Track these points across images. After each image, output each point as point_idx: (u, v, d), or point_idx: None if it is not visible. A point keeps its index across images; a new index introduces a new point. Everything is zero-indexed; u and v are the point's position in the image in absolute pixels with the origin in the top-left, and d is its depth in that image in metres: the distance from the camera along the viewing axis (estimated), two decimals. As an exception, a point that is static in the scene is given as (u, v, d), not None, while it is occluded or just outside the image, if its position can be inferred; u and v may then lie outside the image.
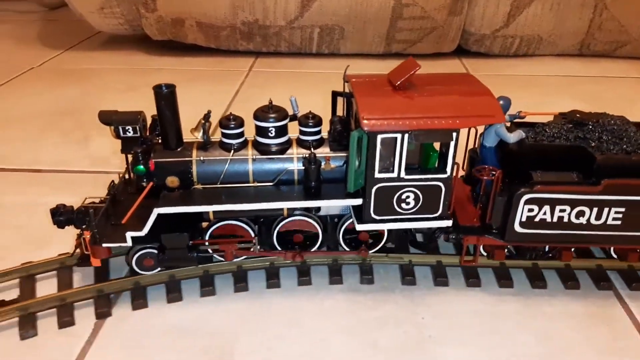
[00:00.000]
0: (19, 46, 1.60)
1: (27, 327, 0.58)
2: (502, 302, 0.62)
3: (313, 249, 0.64)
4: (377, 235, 0.64)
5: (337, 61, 1.44)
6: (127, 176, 0.64)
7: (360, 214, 0.57)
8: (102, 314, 0.60)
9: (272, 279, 0.64)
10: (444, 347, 0.56)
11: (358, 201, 0.57)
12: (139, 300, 0.61)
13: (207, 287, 0.63)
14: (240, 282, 0.63)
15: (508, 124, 0.62)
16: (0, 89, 1.27)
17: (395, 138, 0.52)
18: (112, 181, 0.64)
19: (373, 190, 0.55)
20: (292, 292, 0.63)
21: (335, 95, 0.62)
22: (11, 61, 1.45)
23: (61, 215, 0.60)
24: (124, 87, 1.26)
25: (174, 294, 0.62)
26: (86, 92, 1.25)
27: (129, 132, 0.59)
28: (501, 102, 0.58)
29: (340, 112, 0.63)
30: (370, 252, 0.64)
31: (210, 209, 0.58)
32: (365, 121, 0.51)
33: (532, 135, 0.60)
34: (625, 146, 0.58)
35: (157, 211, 0.56)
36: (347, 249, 0.64)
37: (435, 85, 0.57)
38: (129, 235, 0.56)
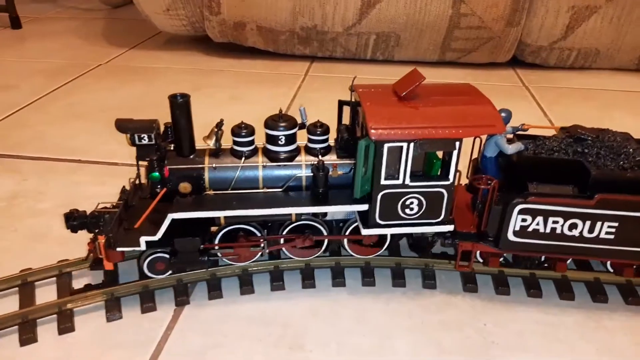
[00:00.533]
0: (86, 43, 1.68)
1: (114, 310, 0.62)
2: (563, 313, 0.63)
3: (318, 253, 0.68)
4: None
5: (391, 68, 1.47)
6: (137, 181, 0.66)
7: (366, 219, 0.60)
8: (182, 301, 0.64)
9: (338, 277, 0.67)
10: (507, 353, 0.58)
11: (364, 207, 0.60)
12: (215, 290, 0.65)
13: (278, 281, 0.66)
14: (309, 279, 0.67)
15: (510, 136, 0.64)
16: (71, 84, 1.34)
17: (401, 147, 0.55)
18: (124, 186, 0.67)
19: (379, 197, 0.58)
20: (356, 291, 0.66)
21: (341, 104, 0.65)
22: (80, 57, 1.53)
23: (75, 220, 0.62)
24: (189, 86, 1.31)
25: (246, 286, 0.66)
26: (152, 90, 1.31)
27: (144, 140, 0.61)
28: (503, 114, 0.59)
29: (345, 120, 0.66)
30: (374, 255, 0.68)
31: (222, 214, 0.60)
32: (372, 130, 0.54)
33: (533, 148, 0.62)
34: (622, 162, 0.59)
35: (171, 216, 0.58)
36: (351, 252, 0.68)
37: (438, 96, 0.60)
38: (142, 239, 0.58)
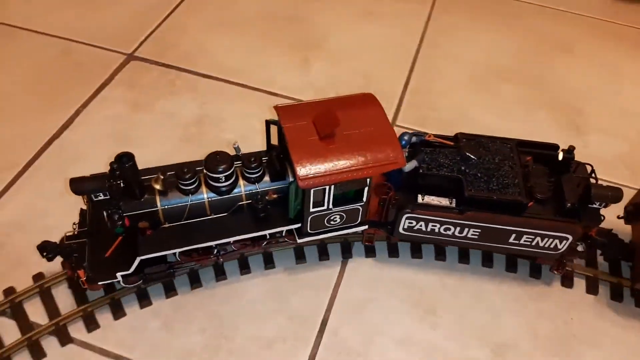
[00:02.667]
0: None
1: (299, 260, 0.85)
2: None
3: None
4: None
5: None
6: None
7: (299, 231, 0.78)
8: (347, 255, 0.86)
9: (464, 256, 0.87)
10: (584, 347, 0.79)
11: (298, 225, 0.78)
12: (370, 253, 0.86)
13: (417, 253, 0.87)
14: (440, 254, 0.87)
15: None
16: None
17: (324, 188, 0.71)
18: (81, 209, 0.78)
19: (309, 219, 0.76)
20: (477, 271, 0.86)
21: (268, 124, 0.76)
22: None
23: (49, 252, 0.73)
24: (357, 11, 1.34)
25: (393, 253, 0.87)
26: None
27: (100, 196, 0.72)
28: (405, 138, 0.77)
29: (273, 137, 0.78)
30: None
31: (180, 250, 0.74)
32: (300, 182, 0.69)
33: (428, 161, 0.77)
34: (492, 185, 0.75)
35: (139, 258, 0.72)
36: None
37: (350, 131, 0.71)
38: (119, 274, 0.73)
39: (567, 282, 0.85)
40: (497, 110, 1.10)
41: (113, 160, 0.68)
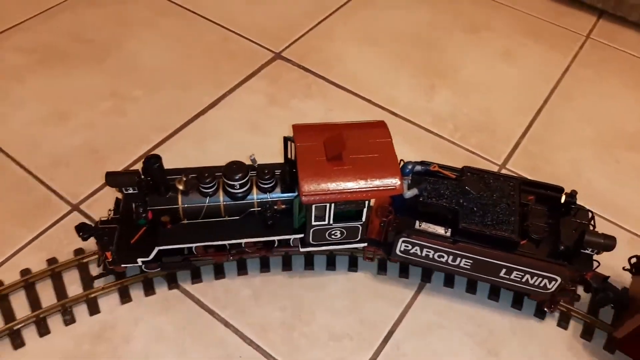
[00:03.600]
0: None
1: (381, 271, 0.92)
2: None
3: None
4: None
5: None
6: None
7: (303, 241, 0.84)
8: (425, 280, 0.91)
9: (542, 312, 0.88)
10: None
11: (301, 235, 0.83)
12: (449, 282, 0.91)
13: (495, 295, 0.90)
14: (517, 303, 0.89)
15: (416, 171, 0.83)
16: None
17: (325, 205, 0.77)
18: (117, 198, 0.87)
19: (311, 231, 0.82)
20: (549, 326, 0.87)
21: (286, 140, 0.80)
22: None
23: (85, 233, 0.81)
24: (467, 22, 1.39)
25: (472, 288, 0.91)
26: (437, 20, 1.40)
27: (131, 190, 0.80)
28: (408, 167, 0.82)
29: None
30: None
31: (195, 245, 0.83)
32: (303, 197, 0.74)
33: (430, 189, 0.81)
34: (487, 220, 0.78)
35: (157, 248, 0.80)
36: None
37: (356, 155, 0.76)
38: (139, 260, 0.81)
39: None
40: (615, 177, 1.08)
41: (145, 160, 0.78)
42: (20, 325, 0.81)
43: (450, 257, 0.83)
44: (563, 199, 0.82)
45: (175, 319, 0.84)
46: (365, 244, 0.87)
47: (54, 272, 0.87)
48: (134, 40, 1.28)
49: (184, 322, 0.84)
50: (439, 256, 0.83)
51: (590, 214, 0.82)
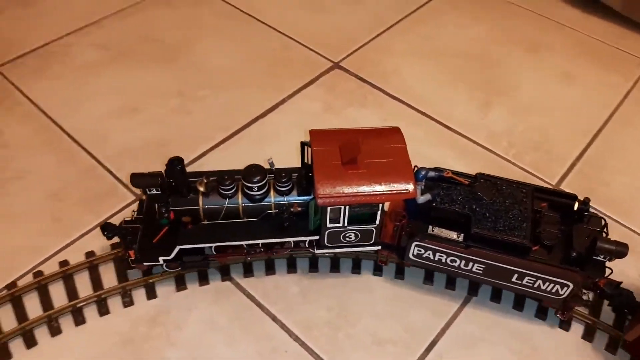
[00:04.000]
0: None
1: (428, 280, 0.94)
2: None
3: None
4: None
5: None
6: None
7: (318, 243, 0.87)
8: (472, 292, 0.92)
9: (590, 334, 0.87)
10: None
11: (316, 237, 0.85)
12: (496, 297, 0.91)
13: (542, 313, 0.89)
14: (566, 324, 0.89)
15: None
16: (426, 8, 1.51)
17: (340, 208, 0.79)
18: (141, 200, 0.90)
19: (326, 233, 0.84)
20: (599, 348, 0.87)
21: (303, 145, 0.83)
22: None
23: (109, 232, 0.84)
24: (526, 45, 1.38)
25: (519, 305, 0.91)
26: (496, 38, 1.40)
27: (154, 191, 0.82)
28: (421, 173, 0.83)
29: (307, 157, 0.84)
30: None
31: (213, 245, 0.86)
32: (319, 200, 0.76)
33: (443, 195, 0.83)
34: (499, 225, 0.79)
35: (178, 247, 0.83)
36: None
37: (371, 160, 0.78)
38: (161, 259, 0.85)
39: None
40: (674, 205, 1.06)
41: (168, 161, 0.81)
42: (82, 304, 0.87)
43: (463, 262, 0.83)
44: (576, 207, 0.82)
45: (227, 310, 0.88)
46: (379, 247, 0.88)
47: (117, 256, 0.93)
48: (202, 43, 1.34)
49: (235, 314, 0.87)
50: (452, 260, 0.84)
51: (603, 221, 0.82)
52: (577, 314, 0.88)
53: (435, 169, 0.86)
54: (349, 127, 0.85)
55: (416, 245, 0.84)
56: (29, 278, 0.89)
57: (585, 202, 0.82)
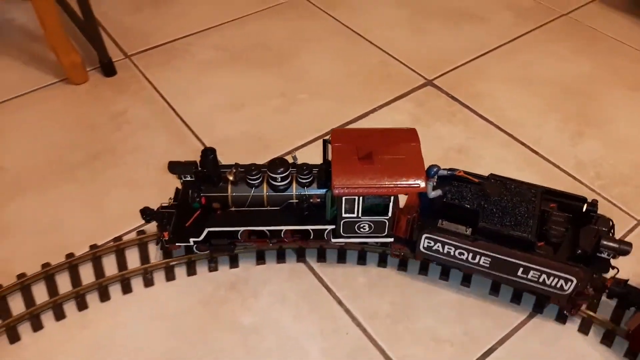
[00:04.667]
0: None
1: (493, 292, 0.95)
2: None
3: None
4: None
5: None
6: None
7: (334, 233, 0.92)
8: (538, 310, 0.92)
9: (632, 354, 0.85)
10: None
11: (333, 226, 0.91)
12: (562, 318, 0.91)
13: (609, 338, 0.88)
14: (609, 338, 0.86)
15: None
16: (530, 36, 1.52)
17: (354, 198, 0.84)
18: (177, 188, 0.97)
19: (341, 223, 0.89)
20: None
21: (325, 143, 0.89)
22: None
23: (147, 216, 0.93)
24: (630, 82, 1.36)
25: (585, 327, 0.90)
26: (597, 72, 1.39)
27: (188, 177, 0.91)
28: (433, 169, 0.85)
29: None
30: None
31: (238, 229, 0.93)
32: (335, 190, 0.82)
33: (454, 192, 0.87)
34: (505, 221, 0.83)
35: (207, 229, 0.90)
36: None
37: (385, 155, 0.83)
38: (191, 240, 0.91)
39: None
40: None
41: (202, 151, 0.89)
42: (174, 263, 0.98)
43: (470, 255, 0.87)
44: (584, 208, 0.86)
45: (298, 288, 0.95)
46: (392, 239, 0.92)
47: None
48: (307, 53, 1.46)
49: (304, 293, 0.95)
50: (460, 253, 0.87)
51: (610, 222, 0.84)
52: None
53: (449, 169, 0.89)
54: (367, 127, 0.93)
55: (426, 238, 0.88)
56: (133, 235, 1.02)
57: (593, 204, 0.85)
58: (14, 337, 0.88)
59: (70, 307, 0.92)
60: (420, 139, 0.87)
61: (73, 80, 1.35)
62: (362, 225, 0.90)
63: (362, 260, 0.99)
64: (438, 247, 0.89)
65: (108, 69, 1.38)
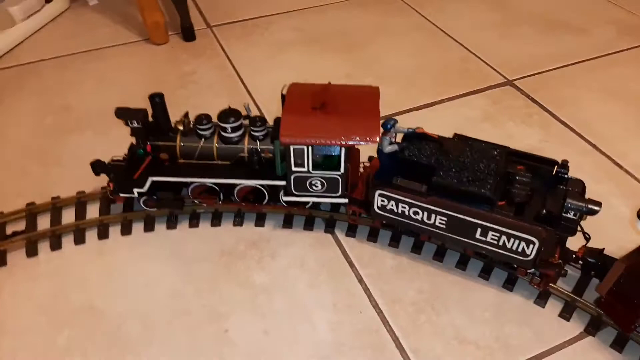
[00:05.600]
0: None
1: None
2: None
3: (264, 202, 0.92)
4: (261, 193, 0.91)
5: None
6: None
7: (286, 190, 0.86)
8: (590, 332, 0.79)
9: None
10: None
11: (283, 182, 0.86)
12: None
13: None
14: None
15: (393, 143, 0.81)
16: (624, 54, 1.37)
17: (303, 149, 0.78)
18: (131, 143, 0.90)
19: (292, 177, 0.84)
20: None
21: (283, 97, 0.82)
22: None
23: (97, 169, 0.90)
24: None
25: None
26: None
27: (135, 124, 0.85)
28: (390, 123, 0.79)
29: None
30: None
31: (186, 180, 0.88)
32: (282, 138, 0.78)
33: (412, 148, 0.81)
34: (462, 177, 0.76)
35: (151, 178, 0.87)
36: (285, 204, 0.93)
37: (341, 105, 0.79)
38: (135, 190, 0.88)
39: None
40: None
41: (149, 96, 0.86)
42: (200, 211, 0.95)
43: (425, 214, 0.80)
44: (554, 171, 0.78)
45: (319, 256, 0.88)
46: (346, 200, 0.87)
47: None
48: (383, 43, 1.41)
49: (325, 262, 0.87)
50: (414, 213, 0.81)
51: (582, 184, 0.77)
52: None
53: (410, 129, 0.83)
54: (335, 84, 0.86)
55: (379, 195, 0.82)
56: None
57: (564, 165, 0.78)
58: (32, 252, 0.89)
59: (91, 235, 0.92)
60: (380, 97, 0.83)
61: (154, 40, 1.40)
62: (314, 182, 0.84)
63: (395, 240, 0.90)
64: (392, 206, 0.82)
65: (188, 33, 1.42)
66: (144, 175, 0.87)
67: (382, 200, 0.82)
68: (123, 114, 0.86)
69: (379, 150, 0.82)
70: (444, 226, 0.80)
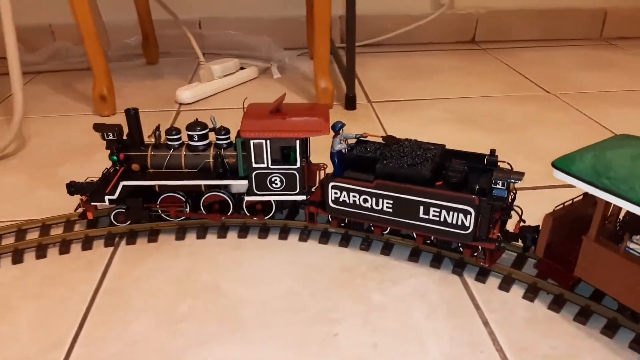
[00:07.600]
0: None
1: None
2: None
3: (229, 214, 0.98)
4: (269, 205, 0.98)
5: None
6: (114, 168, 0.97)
7: (248, 190, 0.93)
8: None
9: None
10: None
11: (245, 182, 0.93)
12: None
13: None
14: None
15: (352, 141, 0.95)
16: None
17: (262, 142, 0.88)
18: (106, 168, 0.97)
19: (253, 175, 0.92)
20: None
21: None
22: None
23: (72, 188, 0.95)
24: None
25: None
26: None
27: (110, 136, 0.92)
28: (338, 125, 0.89)
29: None
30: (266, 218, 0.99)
31: (155, 183, 0.95)
32: (242, 132, 0.88)
33: (360, 148, 0.93)
34: (402, 163, 0.87)
35: (122, 183, 0.93)
36: (249, 214, 0.98)
37: (296, 111, 0.90)
38: (106, 197, 0.94)
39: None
40: None
41: (125, 110, 0.94)
42: (332, 230, 0.96)
43: (373, 200, 0.88)
44: (485, 160, 0.88)
45: (443, 293, 0.83)
46: (304, 197, 0.94)
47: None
48: (539, 130, 1.40)
49: (448, 299, 0.82)
50: (364, 200, 0.88)
51: (510, 166, 0.83)
52: None
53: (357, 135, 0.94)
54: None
55: (332, 187, 0.90)
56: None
57: (492, 153, 0.88)
58: (180, 236, 0.98)
59: (232, 233, 0.99)
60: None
61: (322, 101, 1.55)
62: (274, 179, 0.92)
63: (530, 293, 0.82)
64: (345, 197, 0.90)
65: (350, 102, 1.55)
66: (116, 184, 0.94)
67: (335, 193, 0.90)
68: (100, 127, 0.94)
69: (331, 154, 0.91)
70: (391, 210, 0.88)
